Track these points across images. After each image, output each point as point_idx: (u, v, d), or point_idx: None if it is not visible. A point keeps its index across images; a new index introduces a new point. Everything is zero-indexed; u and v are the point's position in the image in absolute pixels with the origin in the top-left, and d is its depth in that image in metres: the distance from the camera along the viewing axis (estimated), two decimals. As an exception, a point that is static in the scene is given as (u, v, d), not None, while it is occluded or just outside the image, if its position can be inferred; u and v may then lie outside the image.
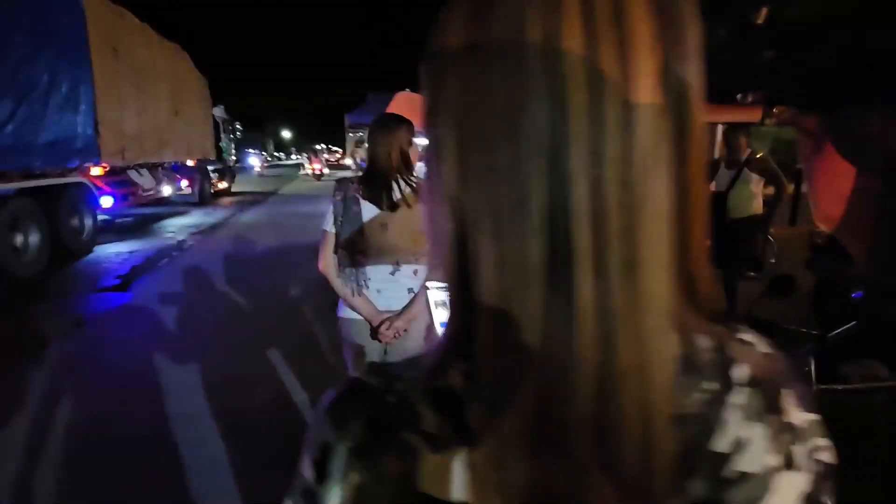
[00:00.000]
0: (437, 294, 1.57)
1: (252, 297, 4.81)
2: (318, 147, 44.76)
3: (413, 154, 1.77)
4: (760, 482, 0.29)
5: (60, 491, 2.21)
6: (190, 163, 11.59)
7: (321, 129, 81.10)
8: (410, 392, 0.31)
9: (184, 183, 11.38)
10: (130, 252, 6.88)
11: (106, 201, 7.33)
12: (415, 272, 1.77)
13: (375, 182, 1.71)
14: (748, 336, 0.33)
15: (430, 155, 0.31)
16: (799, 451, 0.30)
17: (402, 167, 1.73)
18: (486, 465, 0.28)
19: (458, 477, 0.29)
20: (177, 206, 11.50)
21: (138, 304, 4.63)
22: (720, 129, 8.07)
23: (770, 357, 0.32)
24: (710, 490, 0.28)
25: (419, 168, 2.85)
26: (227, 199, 14.25)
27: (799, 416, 0.31)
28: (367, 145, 1.79)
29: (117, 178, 7.87)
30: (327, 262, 1.75)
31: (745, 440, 0.29)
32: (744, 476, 0.29)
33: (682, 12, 0.28)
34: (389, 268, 1.74)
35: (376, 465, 0.30)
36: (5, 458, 2.39)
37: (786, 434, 0.30)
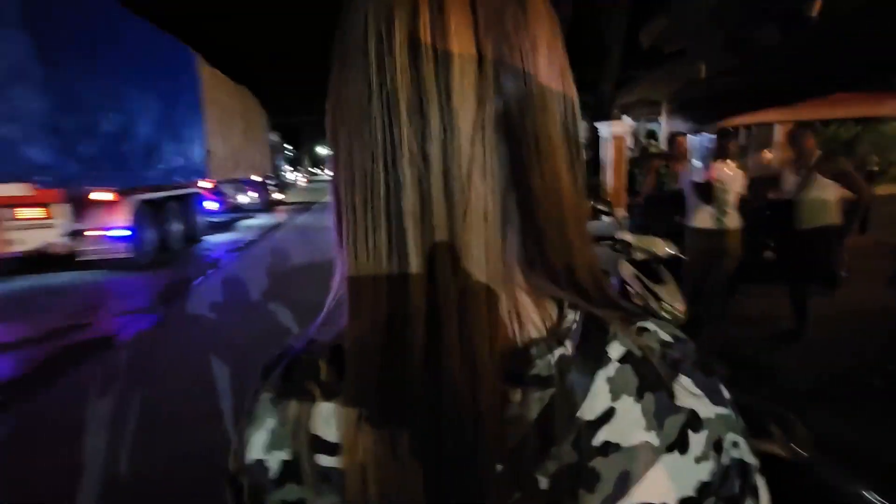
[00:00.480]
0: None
1: (307, 271, 6.54)
2: None
3: None
4: (630, 455, 0.29)
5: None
6: (256, 178, 14.97)
7: None
8: (319, 349, 0.35)
9: (253, 194, 14.78)
10: (225, 240, 10.01)
11: (211, 205, 10.59)
12: None
13: None
14: (650, 324, 0.34)
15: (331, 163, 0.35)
16: (698, 437, 0.30)
17: None
18: (346, 413, 0.31)
19: (338, 421, 0.32)
20: (248, 211, 14.88)
21: (233, 270, 7.42)
22: (778, 129, 6.33)
23: (670, 345, 0.33)
24: (577, 457, 0.29)
25: None
26: (282, 207, 17.64)
27: (699, 405, 0.31)
28: None
29: (214, 190, 11.14)
30: None
31: (614, 412, 0.30)
32: (610, 446, 0.30)
33: (516, 16, 0.30)
34: None
35: (283, 410, 0.34)
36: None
37: (674, 416, 0.30)
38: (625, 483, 0.29)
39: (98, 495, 2.24)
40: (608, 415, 0.30)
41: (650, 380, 0.31)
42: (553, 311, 0.33)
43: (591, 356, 0.31)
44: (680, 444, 0.30)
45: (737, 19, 8.05)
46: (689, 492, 0.30)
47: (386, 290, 0.30)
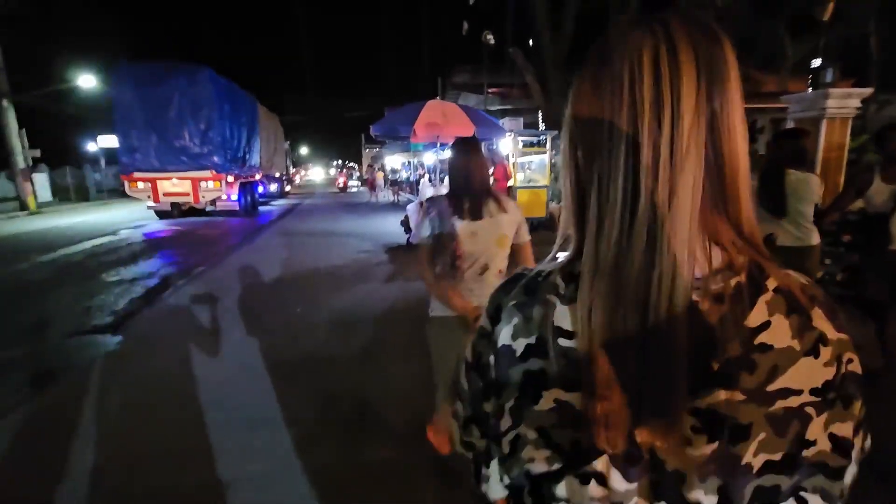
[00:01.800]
0: None
1: (323, 237, 10.48)
2: (348, 164, 49.61)
3: (487, 168, 2.02)
4: (782, 354, 0.43)
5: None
6: (277, 174, 22.10)
7: (338, 144, 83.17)
8: (551, 273, 0.53)
9: (274, 185, 21.92)
10: (270, 211, 16.98)
11: (261, 189, 17.90)
12: (499, 272, 2.00)
13: (466, 198, 1.92)
14: (791, 272, 0.47)
15: (566, 144, 0.51)
16: (826, 350, 0.44)
17: (487, 183, 1.99)
18: (582, 310, 0.47)
19: (574, 317, 0.49)
20: (274, 197, 22.30)
21: (277, 227, 13.92)
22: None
23: (805, 286, 0.46)
24: (743, 351, 0.43)
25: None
26: (291, 196, 25.19)
27: (828, 328, 0.45)
28: (449, 165, 2.02)
29: (261, 181, 18.18)
30: (425, 268, 1.96)
31: (769, 324, 0.44)
32: (766, 346, 0.44)
33: (720, 66, 0.45)
34: (479, 269, 1.96)
35: (529, 312, 0.52)
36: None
37: (810, 332, 0.44)
38: (774, 373, 0.43)
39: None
40: (765, 325, 0.44)
41: (794, 306, 0.44)
42: (731, 250, 0.47)
43: (755, 286, 0.45)
44: (813, 352, 0.43)
45: (744, 20, 9.57)
46: (818, 384, 0.43)
47: (618, 226, 0.45)
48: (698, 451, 0.44)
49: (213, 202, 13.20)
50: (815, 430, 0.44)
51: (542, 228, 9.67)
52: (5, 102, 16.62)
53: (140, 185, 12.38)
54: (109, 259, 7.96)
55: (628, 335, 0.45)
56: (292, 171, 28.52)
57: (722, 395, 0.43)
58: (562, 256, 0.55)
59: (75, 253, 8.63)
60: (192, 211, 13.87)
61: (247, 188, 15.02)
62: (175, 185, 12.50)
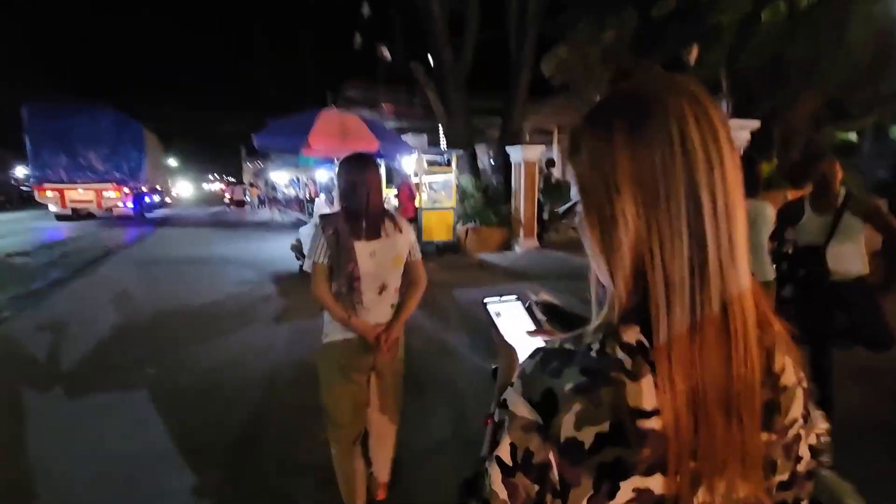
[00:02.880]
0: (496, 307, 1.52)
1: (192, 264, 9.74)
2: (228, 178, 48.03)
3: (381, 185, 2.00)
4: (793, 392, 0.53)
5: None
6: (159, 187, 24.46)
7: (212, 157, 75.05)
8: (605, 345, 0.49)
9: (157, 197, 24.16)
10: (150, 217, 19.47)
11: (147, 200, 20.59)
12: (396, 290, 2.03)
13: (361, 217, 1.89)
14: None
15: (603, 203, 0.51)
16: (802, 375, 0.55)
17: (381, 202, 1.98)
18: (663, 382, 0.46)
19: (650, 393, 0.47)
20: (157, 207, 24.25)
21: (173, 220, 17.74)
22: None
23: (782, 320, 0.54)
24: (773, 395, 0.51)
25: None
26: (171, 204, 27.70)
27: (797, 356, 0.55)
28: (338, 182, 2.01)
29: (148, 192, 20.78)
30: (322, 289, 1.90)
31: (785, 365, 0.52)
32: (786, 388, 0.52)
33: (726, 122, 0.50)
34: (378, 289, 1.95)
35: (595, 396, 0.47)
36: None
37: (798, 365, 0.54)
38: (789, 409, 0.52)
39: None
40: (783, 369, 0.52)
41: (789, 344, 0.53)
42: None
43: (766, 329, 0.52)
44: (801, 381, 0.54)
45: (626, 60, 10.23)
46: (803, 408, 0.54)
47: (688, 283, 0.46)
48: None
49: (111, 209, 16.89)
50: (803, 446, 0.55)
51: (448, 252, 9.14)
52: None
53: (49, 193, 15.93)
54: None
55: (713, 399, 0.47)
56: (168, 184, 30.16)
57: (765, 437, 0.50)
58: (595, 321, 0.53)
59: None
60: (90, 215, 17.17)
61: (139, 197, 18.46)
62: (81, 195, 16.27)
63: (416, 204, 9.23)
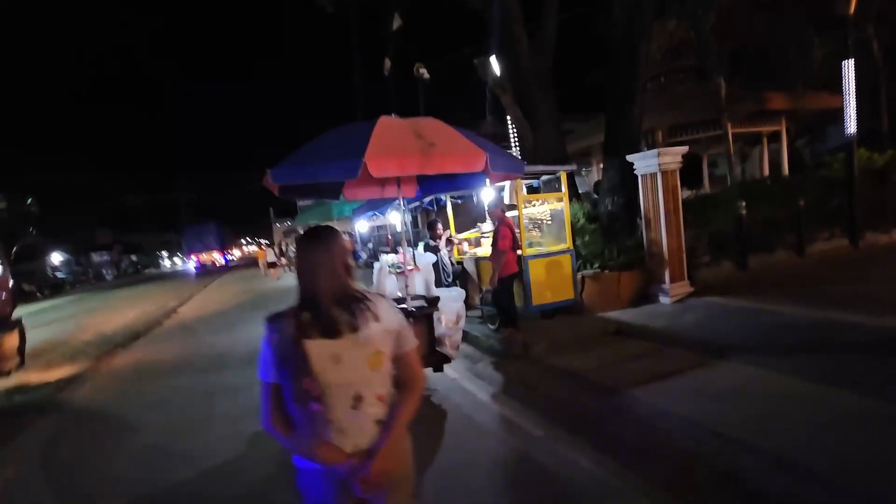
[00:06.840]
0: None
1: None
2: (261, 241, 46.76)
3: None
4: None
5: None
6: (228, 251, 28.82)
7: (243, 220, 75.47)
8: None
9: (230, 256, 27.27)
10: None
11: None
12: (379, 398, 1.46)
13: (315, 309, 1.41)
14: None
15: None
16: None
17: (344, 285, 1.46)
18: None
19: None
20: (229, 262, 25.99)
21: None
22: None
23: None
24: None
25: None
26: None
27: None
28: (296, 266, 1.50)
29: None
30: (273, 417, 1.43)
31: None
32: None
33: None
34: (350, 402, 1.41)
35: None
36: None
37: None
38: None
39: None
40: None
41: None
42: None
43: None
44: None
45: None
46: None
47: None
48: None
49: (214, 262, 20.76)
50: None
51: (559, 313, 6.22)
52: None
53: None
54: None
55: None
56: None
57: None
58: None
59: None
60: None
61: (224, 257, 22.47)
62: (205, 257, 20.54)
63: (520, 252, 5.89)
